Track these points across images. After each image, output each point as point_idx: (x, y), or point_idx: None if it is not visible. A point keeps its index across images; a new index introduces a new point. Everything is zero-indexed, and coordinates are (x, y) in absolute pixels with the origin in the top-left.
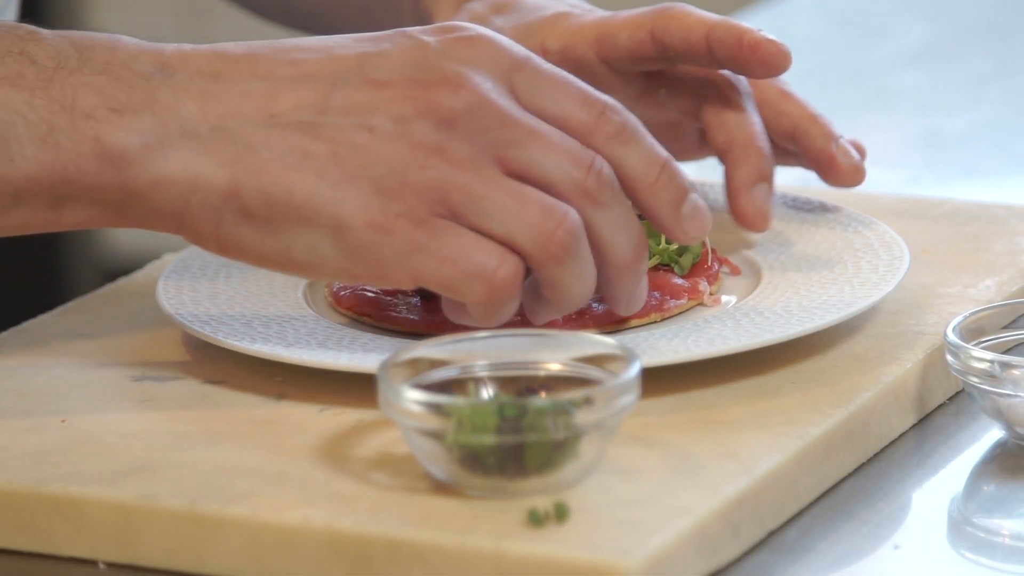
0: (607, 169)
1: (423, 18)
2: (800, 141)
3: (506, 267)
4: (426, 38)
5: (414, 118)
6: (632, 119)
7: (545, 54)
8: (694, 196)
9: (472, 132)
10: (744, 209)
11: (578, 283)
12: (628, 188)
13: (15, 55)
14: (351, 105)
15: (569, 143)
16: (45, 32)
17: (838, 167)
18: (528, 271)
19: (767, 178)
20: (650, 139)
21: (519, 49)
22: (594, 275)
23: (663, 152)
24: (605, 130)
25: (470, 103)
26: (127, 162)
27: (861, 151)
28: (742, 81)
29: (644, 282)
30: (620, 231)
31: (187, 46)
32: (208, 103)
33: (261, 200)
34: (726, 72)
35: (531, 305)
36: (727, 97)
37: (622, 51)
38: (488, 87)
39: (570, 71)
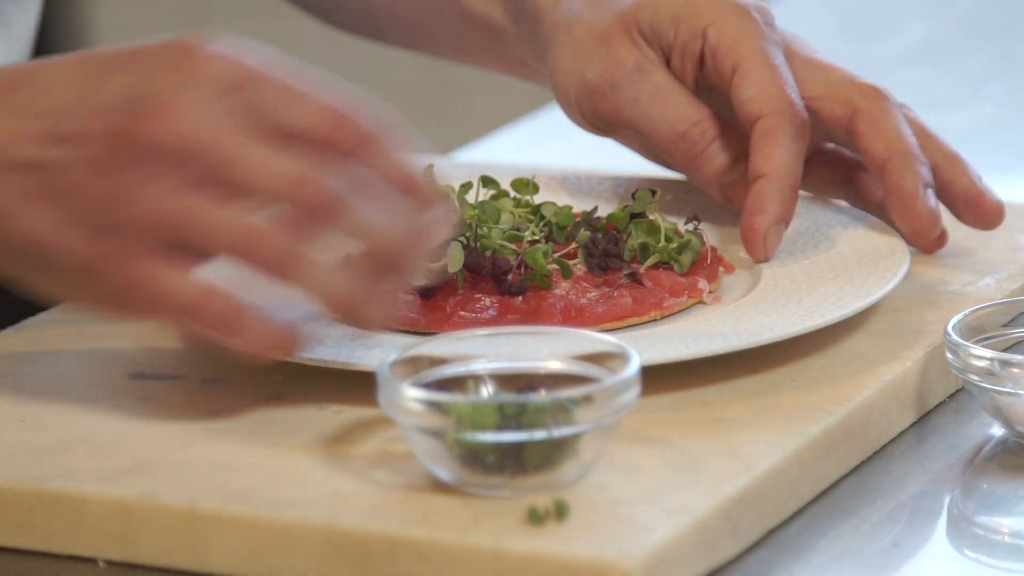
0: (327, 185)
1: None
2: (942, 177)
3: (201, 307)
4: (149, 61)
5: (119, 151)
6: (370, 128)
7: (704, 40)
8: (440, 207)
9: (174, 163)
10: (921, 212)
11: (320, 288)
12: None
13: None
14: (69, 141)
15: (273, 165)
16: None
17: (985, 206)
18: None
19: (932, 184)
20: (392, 149)
21: (247, 64)
22: (339, 280)
23: (407, 164)
24: (345, 140)
25: (170, 134)
26: None
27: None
28: (893, 99)
29: (441, 207)
30: (370, 230)
31: None
32: None
33: (11, 238)
34: (876, 86)
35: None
36: (882, 109)
37: (737, 103)
38: (196, 114)
39: (710, 73)
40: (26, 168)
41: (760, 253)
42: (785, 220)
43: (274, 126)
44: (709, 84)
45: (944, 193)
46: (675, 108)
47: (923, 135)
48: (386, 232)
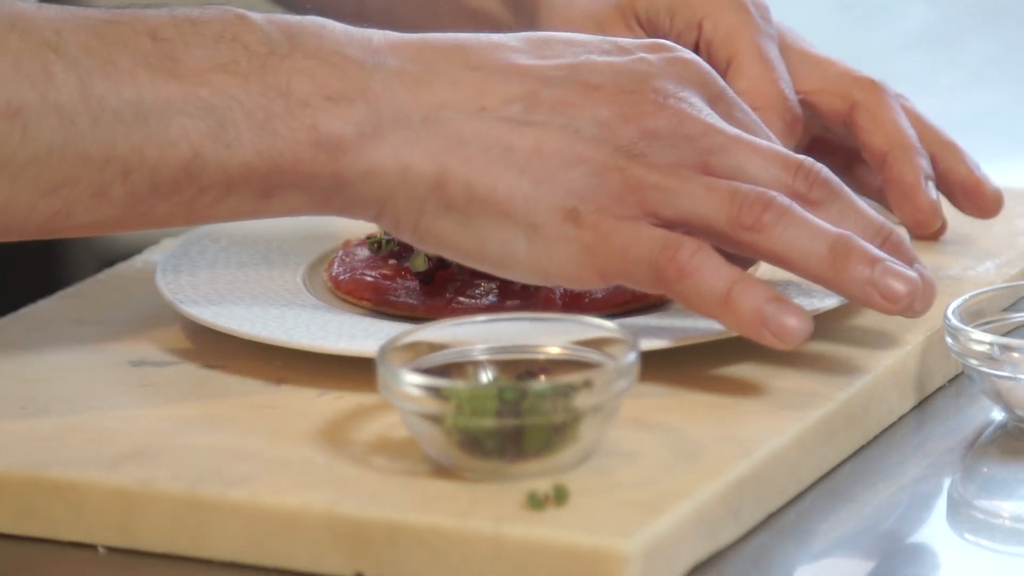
0: (819, 169)
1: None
2: (940, 166)
3: (671, 247)
4: (638, 52)
5: (619, 124)
6: (835, 180)
7: (700, 31)
8: (916, 269)
9: (675, 141)
10: (922, 205)
11: (797, 245)
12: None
13: (227, 40)
14: (558, 104)
15: (774, 148)
16: (254, 16)
17: (983, 194)
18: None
19: (932, 176)
20: (861, 204)
21: (721, 80)
22: (828, 235)
23: (879, 219)
24: (799, 189)
25: (675, 118)
26: (342, 151)
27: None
28: (890, 91)
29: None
30: (848, 223)
31: (393, 34)
32: (420, 92)
33: (464, 192)
34: (872, 78)
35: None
36: (880, 101)
37: (809, 110)
38: (694, 102)
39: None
40: (512, 123)
41: (930, 214)
42: (931, 176)
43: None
44: None
45: (942, 182)
46: None
47: (920, 125)
48: (871, 228)
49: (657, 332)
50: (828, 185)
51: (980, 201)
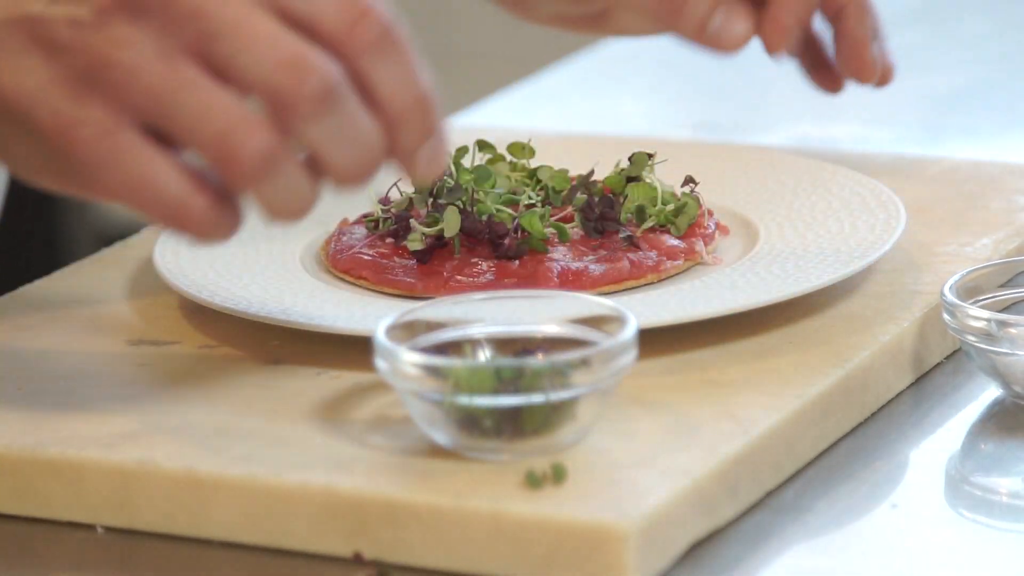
0: (329, 73)
1: None
2: (841, 19)
3: (190, 195)
4: None
5: (113, 9)
6: (397, 30)
7: None
8: (440, 140)
9: (164, 23)
10: (867, 61)
11: (282, 197)
12: (373, 107)
13: None
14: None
15: (280, 41)
16: None
17: (863, 55)
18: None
19: (881, 37)
20: (413, 58)
21: None
22: (362, 137)
23: (424, 79)
24: (362, 38)
25: None
26: None
27: (889, 70)
28: None
29: (441, 139)
30: (339, 144)
31: None
32: None
33: None
34: None
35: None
36: None
37: None
38: None
39: None
40: (28, 22)
41: (781, 43)
42: (803, 22)
43: (288, 7)
44: None
45: (838, 37)
46: None
47: None
48: (369, 149)
49: (654, 310)
50: (323, 92)
51: (859, 62)
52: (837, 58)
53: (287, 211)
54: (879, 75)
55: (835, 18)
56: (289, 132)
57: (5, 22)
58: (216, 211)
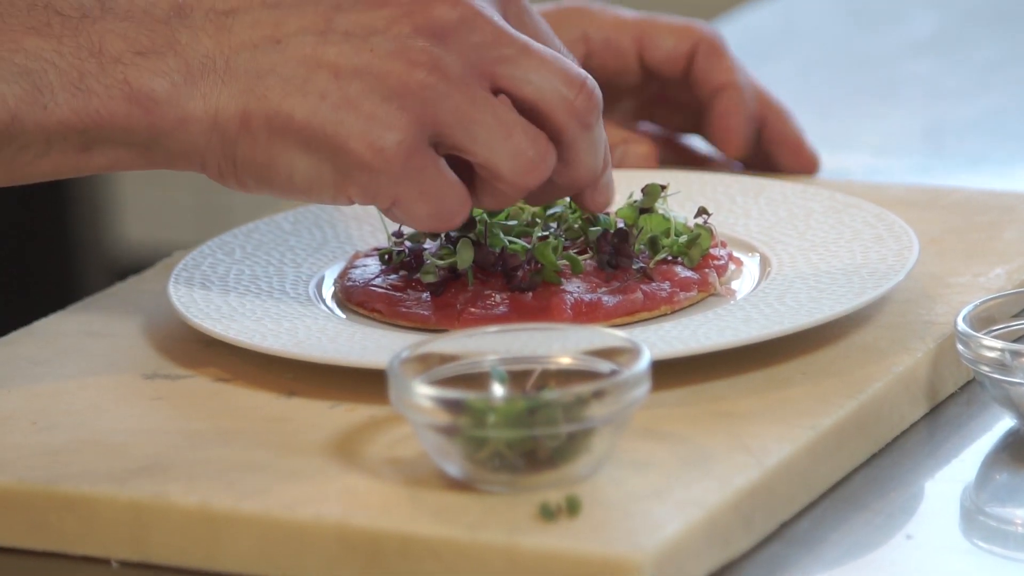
0: (597, 91)
1: None
2: (768, 121)
3: (463, 209)
4: None
5: (411, 35)
6: (601, 106)
7: (587, 43)
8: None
9: (465, 46)
10: (808, 155)
11: (546, 196)
12: (569, 163)
13: (40, 8)
14: (352, 26)
15: (561, 62)
16: None
17: (804, 150)
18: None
19: (753, 117)
20: (603, 133)
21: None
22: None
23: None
24: (579, 107)
25: (464, 15)
26: (155, 102)
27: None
28: (721, 38)
29: (610, 180)
30: (594, 153)
31: None
32: (222, 37)
33: (266, 125)
34: (706, 31)
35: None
36: (718, 52)
37: (661, 54)
38: (485, 6)
39: (608, 61)
40: (308, 51)
41: (739, 147)
42: (752, 120)
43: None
44: (599, 75)
45: (768, 141)
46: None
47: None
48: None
49: (668, 341)
50: (598, 111)
51: (801, 157)
52: (776, 160)
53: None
54: (818, 162)
55: (760, 127)
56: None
57: (304, 60)
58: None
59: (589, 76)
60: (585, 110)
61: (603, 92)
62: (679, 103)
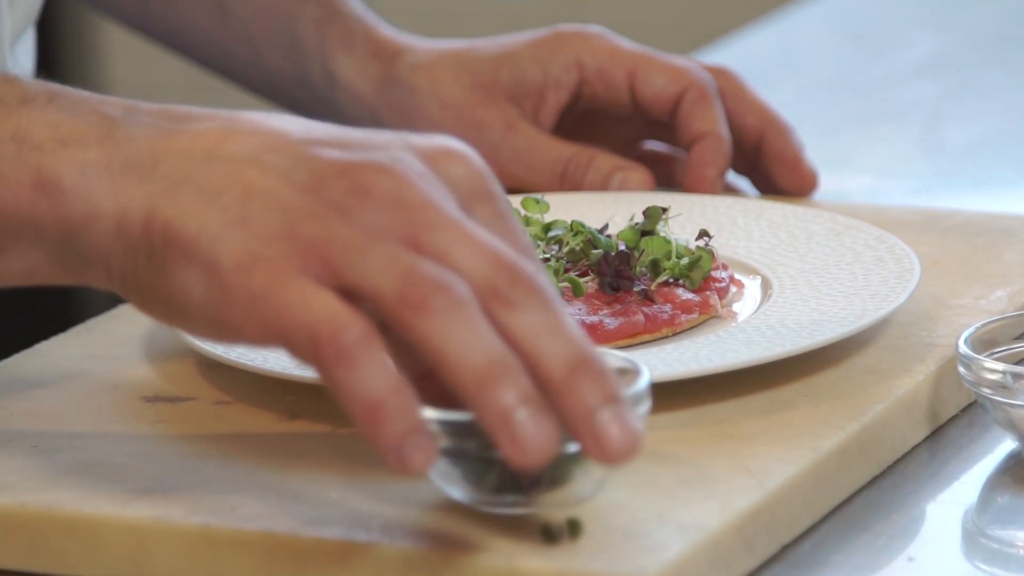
0: (530, 274)
1: (327, 70)
2: (767, 142)
3: (340, 322)
4: (413, 140)
5: (335, 177)
6: (546, 289)
7: (581, 69)
8: (623, 406)
9: (384, 206)
10: (806, 173)
11: (456, 345)
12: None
13: None
14: (281, 156)
15: (492, 244)
16: (26, 79)
17: (802, 169)
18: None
19: (803, 146)
20: (567, 322)
21: (497, 186)
22: (493, 348)
23: (582, 343)
24: (499, 286)
25: (394, 183)
26: (60, 191)
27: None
28: (712, 86)
29: (619, 415)
30: (544, 337)
31: (171, 105)
32: (161, 139)
33: (162, 233)
34: (698, 76)
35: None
36: (739, 86)
37: (650, 92)
38: (431, 181)
39: (600, 90)
40: (231, 167)
41: (711, 192)
42: (725, 172)
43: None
44: (589, 107)
45: (765, 157)
46: (551, 151)
47: (753, 102)
48: (572, 348)
49: (669, 363)
50: (533, 290)
51: (798, 175)
52: (774, 180)
53: (465, 359)
54: (816, 182)
55: (759, 144)
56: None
57: (224, 175)
58: (371, 346)
59: (528, 264)
60: (506, 288)
61: (598, 120)
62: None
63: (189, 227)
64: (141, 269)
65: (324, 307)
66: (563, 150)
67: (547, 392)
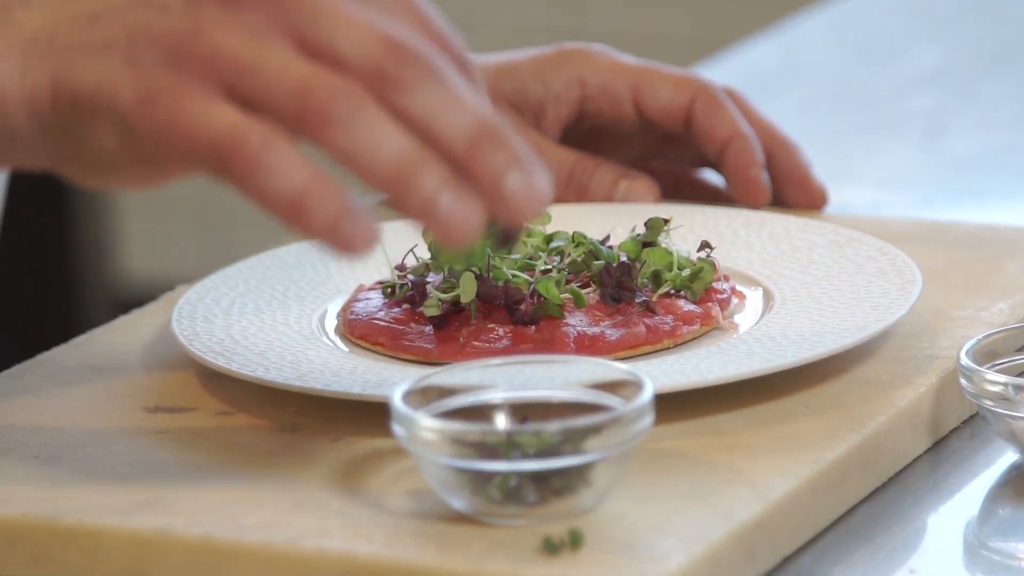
0: (421, 51)
1: None
2: (774, 160)
3: (241, 131)
4: None
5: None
6: (436, 64)
7: (583, 86)
8: (529, 167)
9: (262, 8)
10: (815, 190)
11: (360, 148)
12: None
13: None
14: None
15: (378, 24)
16: None
17: (811, 186)
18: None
19: (764, 165)
20: (462, 92)
21: None
22: (393, 142)
23: (481, 109)
24: (387, 68)
25: None
26: None
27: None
28: (719, 89)
29: (526, 177)
30: (443, 115)
31: None
32: (50, 14)
33: (69, 97)
34: (704, 82)
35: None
36: (717, 104)
37: (658, 105)
38: None
39: (604, 107)
40: (113, 19)
41: (762, 196)
42: (764, 166)
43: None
44: (594, 124)
45: (774, 175)
46: (556, 157)
47: (756, 119)
48: (470, 119)
49: (671, 374)
50: (423, 67)
51: (808, 192)
52: (784, 195)
53: (376, 161)
54: (826, 197)
55: (767, 162)
56: (385, 97)
57: (110, 30)
58: (275, 145)
59: (414, 39)
60: (395, 69)
61: (604, 139)
62: (688, 143)
63: (87, 84)
64: (60, 141)
65: (222, 119)
66: (568, 155)
67: (456, 167)
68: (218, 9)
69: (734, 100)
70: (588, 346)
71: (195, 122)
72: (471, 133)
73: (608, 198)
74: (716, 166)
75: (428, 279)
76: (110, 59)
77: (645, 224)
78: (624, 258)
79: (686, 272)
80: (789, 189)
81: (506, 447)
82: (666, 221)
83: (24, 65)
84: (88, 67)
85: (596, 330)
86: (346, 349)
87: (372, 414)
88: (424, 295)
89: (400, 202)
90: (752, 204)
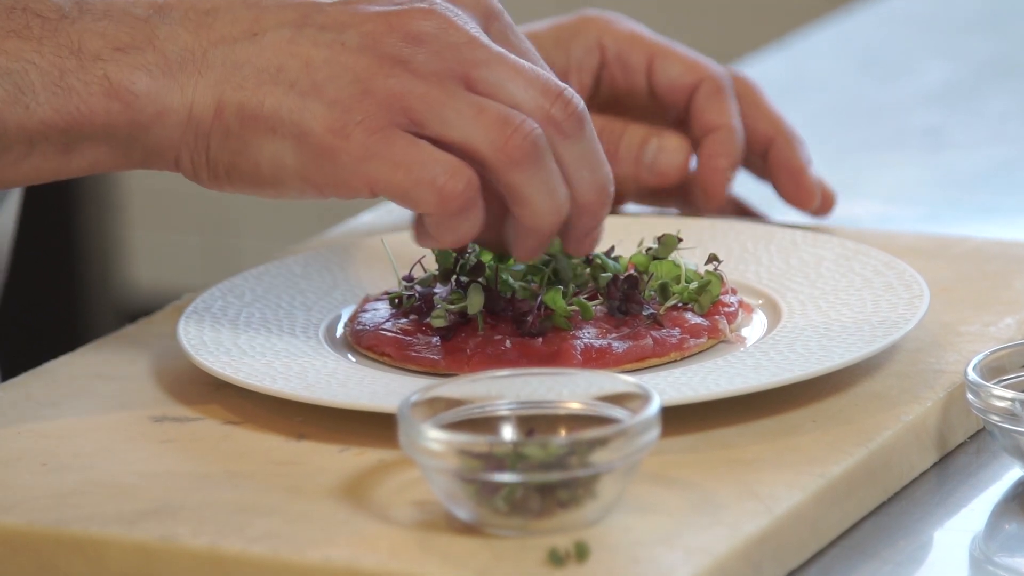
0: (577, 102)
1: None
2: (773, 150)
3: (458, 176)
4: None
5: (384, 33)
6: (587, 117)
7: (602, 51)
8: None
9: (439, 49)
10: (807, 185)
11: (543, 195)
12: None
13: (19, 11)
14: (328, 22)
15: (538, 73)
16: None
17: (805, 183)
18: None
19: (811, 160)
20: (600, 150)
21: (498, 3)
22: (563, 192)
23: (608, 172)
24: (556, 116)
25: (440, 25)
26: (134, 96)
27: (831, 196)
28: (727, 81)
29: (600, 227)
30: (585, 167)
31: None
32: (201, 32)
33: (237, 115)
34: (714, 70)
35: (510, 235)
36: (720, 93)
37: (666, 80)
38: (460, 15)
39: (618, 75)
40: (282, 43)
41: (720, 193)
42: (738, 166)
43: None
44: (608, 96)
45: (771, 166)
46: None
47: (765, 110)
48: (604, 178)
49: (678, 387)
50: (581, 120)
51: (801, 187)
52: (777, 189)
53: (544, 211)
54: (821, 201)
55: (766, 152)
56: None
57: (278, 52)
58: (472, 195)
59: (569, 88)
60: (561, 117)
61: (616, 107)
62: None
63: (265, 105)
64: (216, 151)
65: (439, 160)
66: (594, 121)
67: (573, 210)
68: (398, 48)
69: (747, 88)
70: (595, 358)
71: (412, 160)
72: (599, 189)
73: (638, 159)
74: (695, 150)
75: (435, 290)
76: (285, 84)
77: (657, 239)
78: (632, 271)
79: (693, 285)
80: (782, 181)
81: (512, 459)
82: (680, 239)
83: (182, 80)
84: (260, 88)
85: (603, 342)
86: (353, 359)
87: (379, 425)
88: (431, 306)
89: (569, 241)
90: (711, 196)
